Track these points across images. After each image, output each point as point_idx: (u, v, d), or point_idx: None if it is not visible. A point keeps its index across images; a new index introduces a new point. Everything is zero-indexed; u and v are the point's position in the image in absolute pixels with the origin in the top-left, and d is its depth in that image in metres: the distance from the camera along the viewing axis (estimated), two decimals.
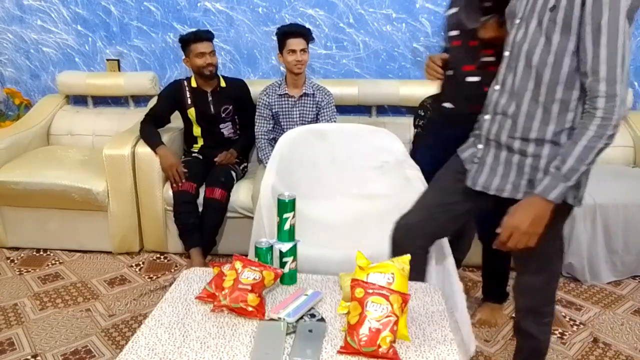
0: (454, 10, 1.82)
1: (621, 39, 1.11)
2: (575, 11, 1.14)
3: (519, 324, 1.54)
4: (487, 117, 1.38)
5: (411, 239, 1.52)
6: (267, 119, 2.66)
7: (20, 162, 2.72)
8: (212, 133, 2.73)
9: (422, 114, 2.45)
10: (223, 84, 2.72)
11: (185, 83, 2.68)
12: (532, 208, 1.23)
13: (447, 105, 1.84)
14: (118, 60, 3.21)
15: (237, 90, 2.76)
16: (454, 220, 1.53)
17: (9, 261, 2.64)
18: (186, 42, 2.57)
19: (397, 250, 1.53)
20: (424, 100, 2.49)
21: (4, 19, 3.21)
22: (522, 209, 1.24)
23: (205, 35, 2.58)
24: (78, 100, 3.28)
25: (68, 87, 3.15)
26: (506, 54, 1.32)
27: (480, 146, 1.40)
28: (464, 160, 1.45)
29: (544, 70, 1.23)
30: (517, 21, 1.27)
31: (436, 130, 1.96)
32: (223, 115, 2.70)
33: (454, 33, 1.80)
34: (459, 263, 2.42)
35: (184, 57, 2.63)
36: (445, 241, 1.78)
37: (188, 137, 2.81)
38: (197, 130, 2.73)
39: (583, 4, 1.13)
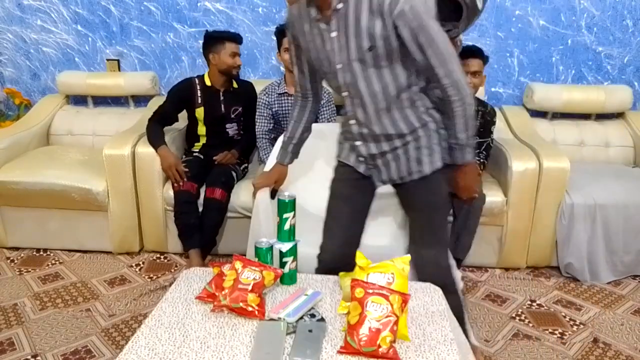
0: None
1: (445, 41, 1.36)
2: (393, 45, 1.36)
3: None
4: (358, 143, 1.56)
5: (342, 261, 1.60)
6: (268, 119, 2.67)
7: (20, 162, 2.72)
8: (218, 132, 2.73)
9: None
10: (235, 85, 2.73)
11: (197, 81, 2.67)
12: (466, 171, 1.56)
13: None
14: (118, 60, 3.21)
15: (247, 93, 2.77)
16: (365, 218, 1.68)
17: (9, 261, 2.64)
18: (220, 39, 2.57)
19: (330, 272, 1.59)
20: None
21: (4, 19, 3.21)
22: (462, 176, 1.57)
23: (240, 38, 2.62)
24: (78, 100, 3.28)
25: (68, 87, 3.15)
26: (345, 94, 1.48)
27: (365, 157, 1.57)
28: (354, 165, 1.61)
29: (388, 92, 1.44)
30: (339, 66, 1.43)
31: None
32: (232, 116, 2.71)
33: None
34: (459, 263, 2.43)
35: (210, 52, 2.58)
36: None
37: (190, 136, 2.80)
38: (201, 130, 2.73)
39: (398, 36, 1.34)
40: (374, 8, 1.33)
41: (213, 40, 2.58)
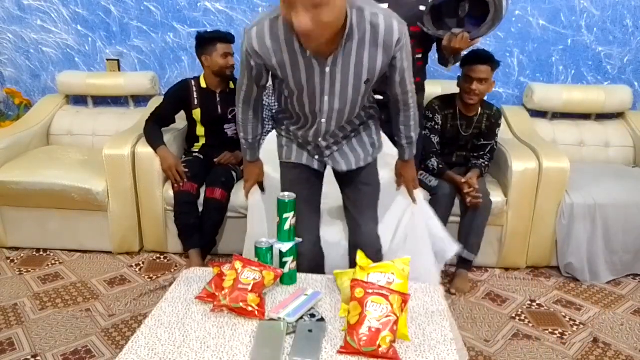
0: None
1: (412, 68, 1.55)
2: (382, 73, 1.50)
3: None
4: (320, 139, 1.66)
5: (317, 260, 1.76)
6: (267, 120, 2.66)
7: (20, 162, 2.72)
8: (216, 133, 2.72)
9: (430, 115, 2.44)
10: (232, 85, 2.71)
11: (193, 83, 2.67)
12: (410, 166, 1.81)
13: (377, 97, 1.95)
14: (118, 60, 3.21)
15: None
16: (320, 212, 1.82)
17: (9, 261, 2.64)
18: (211, 40, 2.55)
19: (316, 269, 1.71)
20: (431, 102, 2.48)
21: (4, 19, 3.21)
22: (409, 170, 1.82)
23: (231, 37, 2.60)
24: (78, 100, 3.28)
25: (68, 87, 3.15)
26: (323, 121, 1.57)
27: (323, 151, 1.70)
28: (307, 164, 1.72)
29: (360, 108, 1.61)
30: (326, 97, 1.50)
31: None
32: (230, 116, 2.70)
33: None
34: (469, 264, 2.42)
35: (202, 54, 2.57)
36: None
37: (190, 137, 2.80)
38: (200, 130, 2.73)
39: (392, 65, 1.48)
40: (379, 42, 1.41)
41: (204, 42, 2.56)
